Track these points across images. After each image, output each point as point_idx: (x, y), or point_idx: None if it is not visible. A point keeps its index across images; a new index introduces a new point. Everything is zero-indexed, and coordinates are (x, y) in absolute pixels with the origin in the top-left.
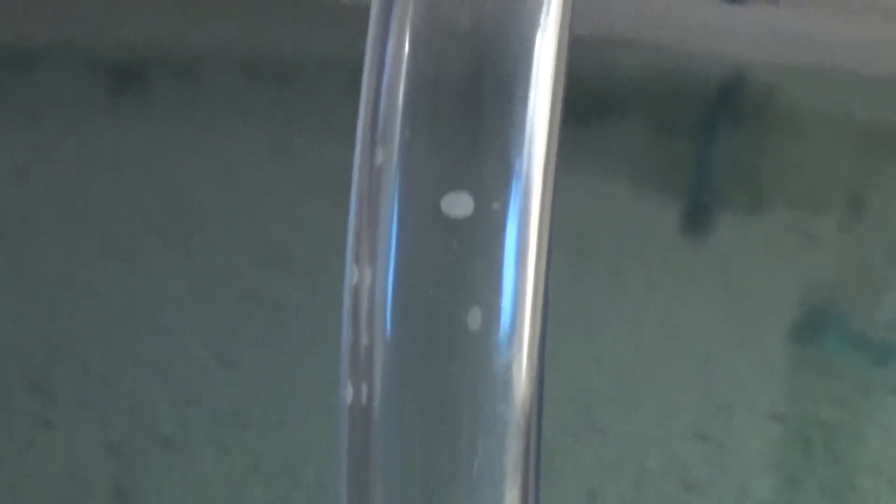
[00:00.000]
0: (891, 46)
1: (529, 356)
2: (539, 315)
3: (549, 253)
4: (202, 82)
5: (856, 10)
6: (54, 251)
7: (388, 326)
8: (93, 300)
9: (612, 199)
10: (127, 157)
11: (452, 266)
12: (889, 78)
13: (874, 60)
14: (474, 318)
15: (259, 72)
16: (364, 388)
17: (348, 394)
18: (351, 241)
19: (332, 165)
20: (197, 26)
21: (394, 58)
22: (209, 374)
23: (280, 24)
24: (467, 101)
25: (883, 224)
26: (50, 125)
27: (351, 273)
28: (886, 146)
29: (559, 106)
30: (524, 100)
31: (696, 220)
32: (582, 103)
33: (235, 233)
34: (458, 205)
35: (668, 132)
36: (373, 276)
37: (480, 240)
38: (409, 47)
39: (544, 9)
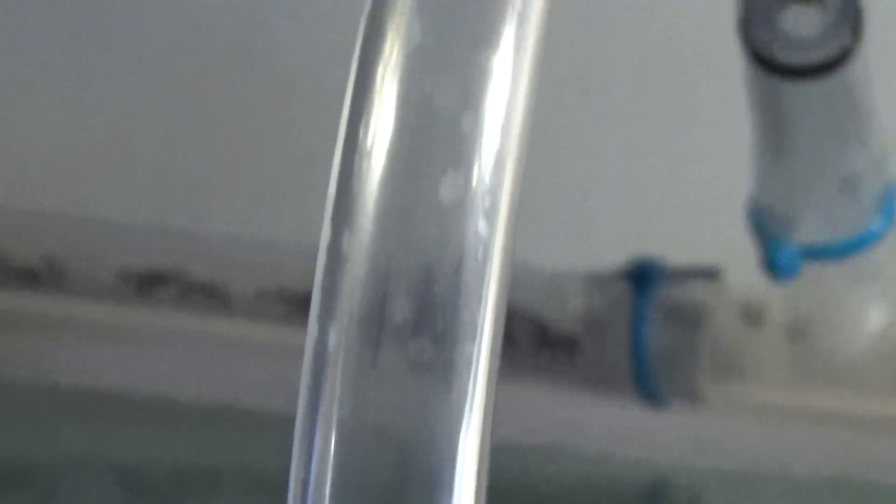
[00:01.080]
0: (814, 449)
1: None
2: None
3: None
4: (126, 487)
5: (777, 415)
6: None
7: None
8: None
9: None
10: None
11: None
12: (812, 481)
13: (798, 464)
14: None
15: (183, 480)
16: None
17: None
18: None
19: None
20: (120, 433)
21: (320, 456)
22: None
23: (204, 433)
24: (392, 496)
25: None
26: None
27: None
28: None
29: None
30: (449, 494)
31: None
32: None
33: None
34: None
35: None
36: None
37: None
38: (335, 444)
39: (468, 405)
